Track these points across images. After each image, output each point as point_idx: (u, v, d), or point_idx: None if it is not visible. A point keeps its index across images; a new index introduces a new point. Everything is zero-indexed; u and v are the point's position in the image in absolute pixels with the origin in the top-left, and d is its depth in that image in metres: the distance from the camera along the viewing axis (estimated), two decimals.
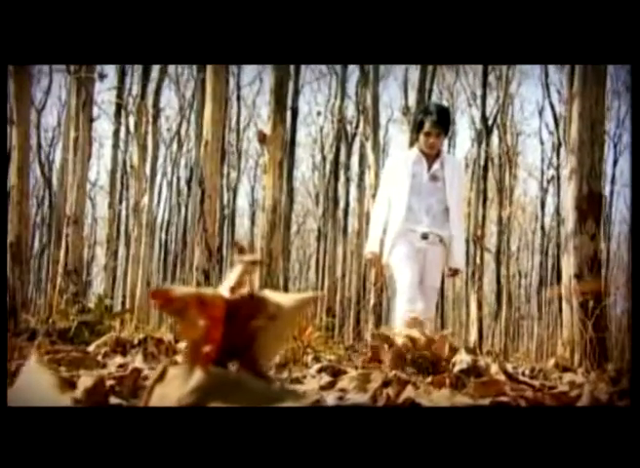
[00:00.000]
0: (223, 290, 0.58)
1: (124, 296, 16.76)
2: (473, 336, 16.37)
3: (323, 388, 1.69)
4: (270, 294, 0.61)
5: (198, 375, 0.52)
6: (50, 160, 23.16)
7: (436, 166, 4.17)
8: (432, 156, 4.19)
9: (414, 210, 4.11)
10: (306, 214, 28.49)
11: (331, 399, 1.22)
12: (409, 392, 1.33)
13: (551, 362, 3.63)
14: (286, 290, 15.92)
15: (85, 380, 0.89)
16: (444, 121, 4.17)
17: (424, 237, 4.11)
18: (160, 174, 22.73)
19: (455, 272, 4.25)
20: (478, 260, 17.60)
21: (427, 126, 4.11)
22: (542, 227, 23.34)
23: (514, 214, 23.75)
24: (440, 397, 1.29)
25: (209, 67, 6.71)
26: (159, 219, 23.55)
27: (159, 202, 23.39)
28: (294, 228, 26.52)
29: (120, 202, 20.15)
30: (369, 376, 1.76)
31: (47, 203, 22.43)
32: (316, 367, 2.24)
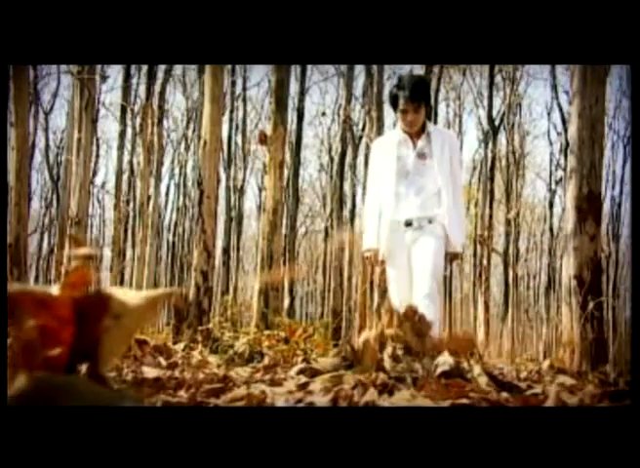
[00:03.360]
0: (54, 287, 0.55)
1: None
2: (480, 338, 16.30)
3: (293, 391, 1.66)
4: (116, 292, 0.57)
5: (20, 381, 0.48)
6: (58, 161, 23.25)
7: (421, 142, 3.74)
8: (416, 133, 3.74)
9: (402, 195, 3.71)
10: (314, 215, 28.46)
11: (281, 401, 1.20)
12: (370, 395, 1.30)
13: (546, 363, 3.58)
14: (291, 292, 15.84)
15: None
16: (420, 94, 3.68)
17: (408, 224, 3.69)
18: (167, 175, 22.83)
19: (454, 257, 3.75)
20: (485, 262, 17.52)
21: (402, 102, 3.66)
22: (551, 228, 23.20)
23: (522, 216, 23.62)
24: (400, 399, 1.26)
25: (207, 68, 6.71)
26: (166, 221, 23.63)
27: (166, 203, 23.50)
28: (302, 229, 26.52)
29: (127, 203, 20.20)
30: (341, 378, 1.73)
31: (55, 204, 22.52)
32: (296, 368, 2.21)
